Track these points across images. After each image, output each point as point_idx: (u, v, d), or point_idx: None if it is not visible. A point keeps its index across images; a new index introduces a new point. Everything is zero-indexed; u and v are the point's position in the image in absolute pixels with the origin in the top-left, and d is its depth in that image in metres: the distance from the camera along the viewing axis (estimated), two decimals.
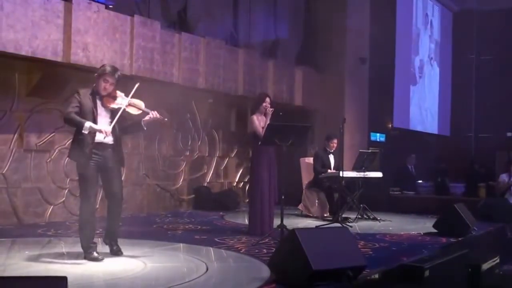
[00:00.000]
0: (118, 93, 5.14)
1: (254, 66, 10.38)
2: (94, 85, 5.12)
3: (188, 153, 10.04)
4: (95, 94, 5.09)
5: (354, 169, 8.90)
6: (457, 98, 17.16)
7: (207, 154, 10.45)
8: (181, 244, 6.11)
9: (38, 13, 6.82)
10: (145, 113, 5.18)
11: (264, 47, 11.12)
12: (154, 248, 5.79)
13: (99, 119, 5.05)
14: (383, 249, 6.19)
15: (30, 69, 7.37)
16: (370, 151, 10.03)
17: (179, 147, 9.85)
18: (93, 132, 4.93)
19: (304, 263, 4.13)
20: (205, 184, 10.37)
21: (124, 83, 5.35)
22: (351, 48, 12.08)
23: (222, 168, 10.81)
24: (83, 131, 4.89)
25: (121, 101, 5.10)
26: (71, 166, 5.24)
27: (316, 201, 9.10)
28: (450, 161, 15.31)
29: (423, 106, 15.88)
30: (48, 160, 7.76)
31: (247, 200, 8.01)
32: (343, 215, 8.40)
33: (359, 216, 8.72)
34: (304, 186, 9.46)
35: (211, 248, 5.94)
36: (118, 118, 5.07)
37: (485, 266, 5.80)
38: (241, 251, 5.76)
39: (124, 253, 5.30)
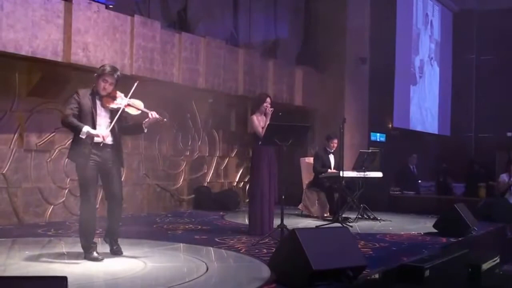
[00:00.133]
0: (118, 93, 5.14)
1: (254, 66, 10.38)
2: (94, 85, 5.12)
3: (188, 153, 10.04)
4: (94, 94, 5.09)
5: (354, 169, 8.90)
6: (457, 98, 17.17)
7: (207, 154, 10.45)
8: (181, 244, 6.11)
9: (38, 13, 6.82)
10: (144, 113, 5.18)
11: (264, 47, 11.13)
12: (154, 248, 5.79)
13: (99, 119, 5.05)
14: (383, 249, 6.19)
15: (30, 69, 7.37)
16: (370, 151, 10.04)
17: (179, 147, 9.85)
18: (91, 137, 4.93)
19: (304, 263, 4.13)
20: (205, 184, 10.37)
21: (124, 83, 5.35)
22: (351, 48, 12.08)
23: (222, 168, 10.81)
24: (80, 136, 4.90)
25: (121, 101, 5.10)
26: (71, 166, 5.23)
27: (316, 201, 9.10)
28: (450, 161, 15.32)
29: (423, 106, 15.88)
30: (48, 160, 7.76)
31: (247, 200, 8.01)
32: (343, 215, 8.41)
33: (359, 216, 8.72)
34: (304, 186, 9.46)
35: (211, 248, 5.94)
36: (118, 118, 5.08)
37: (485, 266, 5.81)
38: (241, 251, 5.76)
39: (124, 253, 5.30)
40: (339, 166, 8.24)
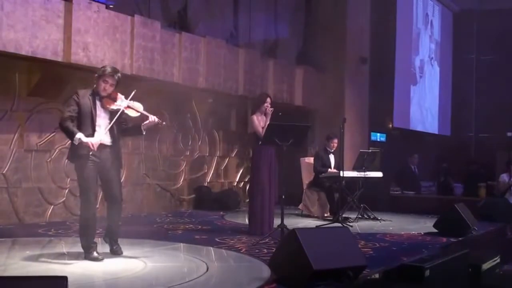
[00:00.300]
0: (118, 95, 5.15)
1: (254, 65, 10.38)
2: (94, 85, 5.12)
3: (188, 153, 10.04)
4: (94, 94, 5.09)
5: (355, 169, 8.90)
6: (457, 98, 17.16)
7: (207, 154, 10.45)
8: (182, 244, 6.11)
9: (39, 13, 6.82)
10: (143, 116, 5.19)
11: (264, 46, 11.13)
12: (155, 248, 5.79)
13: (98, 120, 5.06)
14: (383, 249, 6.19)
15: (31, 69, 7.37)
16: (370, 151, 10.04)
17: (180, 147, 9.85)
18: (84, 143, 4.93)
19: (304, 263, 4.13)
20: (206, 184, 10.37)
21: (125, 83, 5.34)
22: (351, 48, 12.08)
23: (222, 168, 10.81)
24: (73, 142, 4.91)
25: (121, 103, 5.11)
26: (71, 166, 5.23)
27: (317, 201, 9.10)
28: (451, 161, 15.31)
29: (424, 106, 15.87)
30: (49, 160, 7.76)
31: (248, 200, 8.00)
32: (344, 215, 8.41)
33: (360, 216, 8.72)
34: (304, 186, 9.46)
35: (211, 248, 5.94)
36: (117, 120, 5.08)
37: (486, 266, 5.80)
38: (242, 251, 5.76)
39: (124, 253, 5.30)
40: (339, 166, 8.25)
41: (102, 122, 5.08)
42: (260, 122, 6.86)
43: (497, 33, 15.62)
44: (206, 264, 5.04)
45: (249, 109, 8.82)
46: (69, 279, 2.91)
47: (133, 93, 5.17)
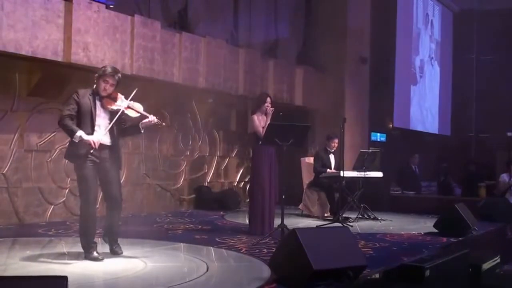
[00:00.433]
0: (118, 95, 5.15)
1: (254, 65, 10.38)
2: (94, 85, 5.12)
3: (188, 153, 10.04)
4: (95, 94, 5.09)
5: (355, 169, 8.90)
6: (457, 98, 17.15)
7: (207, 154, 10.45)
8: (182, 244, 6.11)
9: (39, 13, 6.82)
10: (143, 117, 5.19)
11: (264, 46, 11.12)
12: (155, 248, 5.79)
13: (98, 120, 5.06)
14: (383, 249, 6.19)
15: (31, 69, 7.37)
16: (370, 151, 10.04)
17: (180, 147, 9.85)
18: (86, 140, 4.92)
19: (304, 263, 4.12)
20: (206, 184, 10.37)
21: (125, 83, 5.34)
22: (351, 48, 12.08)
23: (222, 167, 10.81)
24: (73, 139, 4.90)
25: (121, 103, 5.11)
26: (71, 166, 5.23)
27: (317, 200, 9.10)
28: (451, 161, 15.31)
29: (424, 106, 15.87)
30: (49, 160, 7.76)
31: (248, 200, 8.00)
32: (344, 215, 8.40)
33: (360, 216, 8.72)
34: (304, 186, 9.46)
35: (211, 247, 5.95)
36: (117, 120, 5.08)
37: (486, 266, 5.80)
38: (242, 251, 5.76)
39: (125, 252, 5.30)
40: (340, 166, 8.25)
41: (102, 122, 5.08)
42: (260, 122, 6.86)
43: (497, 33, 15.61)
44: (206, 264, 5.04)
45: (249, 109, 8.82)
46: (69, 279, 2.91)
47: (134, 92, 5.17)
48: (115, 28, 7.76)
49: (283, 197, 6.34)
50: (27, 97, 7.45)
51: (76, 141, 4.91)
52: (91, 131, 5.01)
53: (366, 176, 8.85)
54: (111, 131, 5.08)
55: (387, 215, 9.18)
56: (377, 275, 4.87)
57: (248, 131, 10.28)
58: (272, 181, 6.89)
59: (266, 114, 6.87)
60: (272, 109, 6.86)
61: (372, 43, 12.59)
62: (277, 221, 6.57)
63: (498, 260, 6.22)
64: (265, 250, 5.76)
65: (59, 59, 7.09)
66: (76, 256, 5.13)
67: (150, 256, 5.30)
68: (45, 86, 7.42)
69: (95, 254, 5.01)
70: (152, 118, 5.19)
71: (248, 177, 9.86)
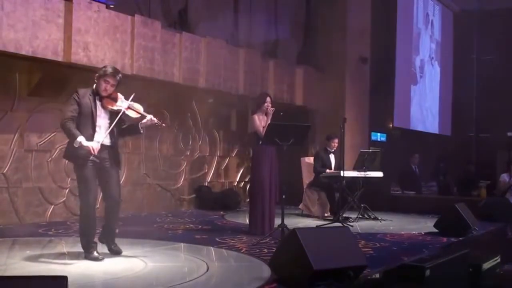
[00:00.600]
0: (119, 95, 5.16)
1: (254, 66, 10.38)
2: (94, 85, 5.11)
3: (188, 153, 10.04)
4: (95, 94, 5.08)
5: (355, 168, 8.90)
6: (457, 98, 17.14)
7: (207, 154, 10.45)
8: (182, 244, 6.11)
9: (39, 13, 6.82)
10: (143, 117, 5.19)
11: (264, 47, 11.12)
12: (155, 248, 5.79)
13: (98, 120, 5.06)
14: (383, 249, 6.19)
15: (31, 69, 7.37)
16: (370, 150, 10.03)
17: (180, 146, 9.85)
18: (85, 146, 4.92)
19: (305, 262, 4.12)
20: (206, 184, 10.37)
21: (125, 83, 5.35)
22: (351, 48, 12.07)
23: (222, 167, 10.81)
24: (74, 144, 4.90)
25: (121, 103, 5.11)
26: (72, 166, 5.23)
27: (317, 200, 9.10)
28: (451, 161, 15.30)
29: (424, 105, 15.86)
30: (49, 160, 7.76)
31: (248, 200, 8.00)
32: (344, 215, 8.40)
33: (360, 216, 8.72)
34: (305, 186, 9.45)
35: (212, 247, 5.95)
36: (118, 121, 5.08)
37: (486, 265, 5.79)
38: (242, 251, 5.76)
39: (125, 252, 5.30)
40: (340, 166, 8.24)
41: (102, 123, 5.08)
42: (261, 121, 6.86)
43: (497, 33, 15.61)
44: (206, 264, 5.04)
45: (250, 109, 8.81)
46: (69, 279, 2.91)
47: (132, 96, 5.18)
48: (115, 28, 7.77)
49: (283, 197, 6.34)
50: (27, 97, 7.45)
51: (76, 146, 4.91)
52: (92, 132, 5.01)
53: (366, 176, 8.85)
54: (111, 131, 5.08)
55: (387, 215, 9.18)
56: (377, 275, 4.87)
57: (248, 131, 10.28)
58: (272, 181, 6.89)
59: (266, 114, 6.87)
60: (272, 109, 6.86)
61: (372, 43, 12.58)
62: (277, 221, 6.57)
63: (498, 260, 6.20)
64: (265, 250, 5.76)
65: (59, 59, 7.09)
66: (76, 256, 5.13)
67: (150, 256, 5.30)
68: (45, 86, 7.42)
69: (95, 254, 5.01)
70: (152, 118, 5.19)
71: (248, 177, 9.86)
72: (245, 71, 10.12)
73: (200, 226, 7.64)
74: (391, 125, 13.84)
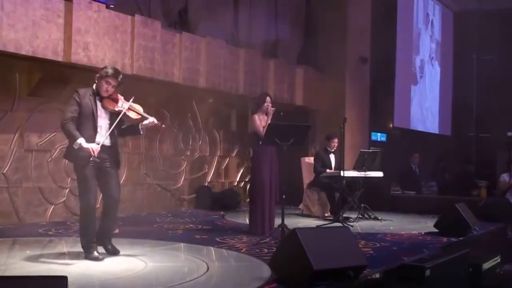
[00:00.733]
0: (119, 96, 5.16)
1: (255, 65, 10.38)
2: (94, 85, 5.11)
3: (189, 153, 10.04)
4: (95, 94, 5.09)
5: (355, 168, 8.89)
6: (458, 98, 17.14)
7: (208, 154, 10.45)
8: (182, 244, 6.12)
9: (39, 13, 6.82)
10: (143, 118, 5.20)
11: (265, 47, 11.12)
12: (155, 248, 5.79)
13: (99, 120, 5.07)
14: (384, 249, 6.19)
15: (31, 69, 7.37)
16: (371, 150, 10.03)
17: (180, 146, 9.85)
18: (85, 148, 4.92)
19: (305, 262, 4.12)
20: (206, 184, 10.37)
21: (125, 82, 5.35)
22: (352, 48, 12.07)
23: (223, 167, 10.81)
24: (73, 146, 4.90)
25: (122, 104, 5.11)
26: (72, 166, 5.24)
27: (317, 200, 9.10)
28: (451, 161, 15.30)
29: (424, 105, 15.86)
30: (49, 160, 7.76)
31: (248, 200, 8.00)
32: (344, 215, 8.40)
33: (360, 216, 8.72)
34: (305, 186, 9.45)
35: (212, 247, 5.94)
36: (118, 122, 5.08)
37: (486, 265, 5.79)
38: (242, 251, 5.76)
39: (125, 252, 5.31)
40: (340, 166, 8.24)
41: (103, 123, 5.09)
42: (261, 121, 6.85)
43: (497, 33, 15.60)
44: (206, 264, 5.04)
45: (250, 109, 8.81)
46: (69, 279, 2.91)
47: (132, 99, 5.18)
48: (115, 28, 7.77)
49: (284, 197, 6.34)
50: (27, 97, 7.44)
51: (76, 148, 4.90)
52: (93, 133, 5.01)
53: (367, 176, 8.85)
54: (111, 132, 5.09)
55: (387, 215, 9.18)
56: (377, 275, 4.87)
57: (248, 131, 10.28)
58: (273, 181, 6.88)
59: (267, 114, 6.87)
60: (273, 109, 6.86)
61: (373, 43, 12.58)
62: (277, 221, 6.57)
63: (499, 260, 6.21)
64: (265, 250, 5.76)
65: (59, 59, 7.09)
66: (76, 256, 5.13)
67: (150, 256, 5.29)
68: (45, 86, 7.42)
69: (95, 254, 5.01)
70: (152, 119, 5.20)
71: (249, 177, 9.86)
72: (245, 71, 10.12)
73: (200, 226, 7.64)
74: (391, 125, 13.84)
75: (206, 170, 10.44)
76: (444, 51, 17.07)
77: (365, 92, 12.58)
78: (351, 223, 8.13)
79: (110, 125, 5.09)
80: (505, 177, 11.49)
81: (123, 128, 5.30)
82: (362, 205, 8.85)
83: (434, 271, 4.73)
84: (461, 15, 17.40)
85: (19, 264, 4.90)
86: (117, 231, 6.76)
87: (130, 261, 5.09)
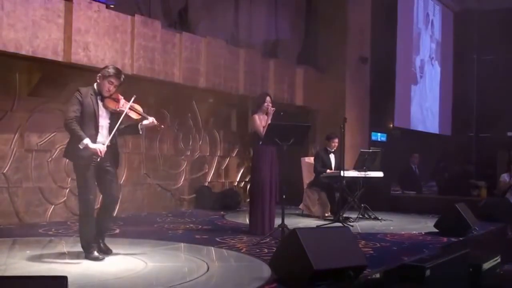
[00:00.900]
0: (119, 96, 5.17)
1: (255, 65, 10.38)
2: (95, 84, 5.11)
3: (189, 153, 10.03)
4: (96, 94, 5.08)
5: (355, 168, 8.89)
6: (458, 98, 17.15)
7: (208, 154, 10.45)
8: (182, 244, 6.11)
9: (39, 13, 6.82)
10: (143, 118, 5.21)
11: (265, 46, 11.12)
12: (155, 248, 5.79)
13: (100, 120, 5.07)
14: (384, 249, 6.19)
15: (31, 69, 7.37)
16: (371, 150, 10.03)
17: (180, 146, 9.85)
18: (92, 149, 4.91)
19: (305, 262, 4.12)
20: (206, 184, 10.37)
21: (125, 82, 5.34)
22: (352, 48, 12.08)
23: (223, 167, 10.81)
24: (79, 145, 4.90)
25: (123, 104, 5.11)
26: (72, 166, 5.23)
27: (317, 200, 9.10)
28: (451, 161, 15.30)
29: (424, 105, 15.87)
30: (49, 160, 7.76)
31: (248, 200, 8.00)
32: (344, 215, 8.39)
33: (360, 216, 8.72)
34: (305, 186, 9.45)
35: (212, 247, 5.94)
36: (119, 122, 5.08)
37: (486, 265, 5.80)
38: (242, 251, 5.76)
39: (125, 252, 5.31)
40: (340, 166, 8.24)
41: (104, 123, 5.09)
42: (262, 121, 6.85)
43: (497, 33, 15.61)
44: (206, 264, 5.04)
45: (250, 109, 8.82)
46: (69, 279, 2.91)
47: (133, 98, 5.18)
48: (115, 28, 7.76)
49: (284, 197, 6.34)
50: (27, 97, 7.44)
51: (81, 148, 4.90)
52: (94, 132, 5.01)
53: (367, 176, 8.85)
54: (111, 131, 5.08)
55: (387, 215, 9.17)
56: (377, 275, 4.87)
57: (248, 131, 10.28)
58: (273, 181, 6.88)
59: (267, 114, 6.87)
60: (273, 108, 6.86)
61: (373, 43, 12.59)
62: (277, 221, 6.57)
63: (499, 260, 6.22)
64: (265, 250, 5.76)
65: (59, 59, 7.09)
66: (76, 256, 5.13)
67: (150, 256, 5.29)
68: (45, 86, 7.42)
69: (95, 254, 5.01)
70: (152, 120, 5.21)
71: (249, 177, 9.85)
72: (245, 71, 10.12)
73: (200, 226, 7.64)
74: (391, 125, 13.85)
75: (206, 170, 10.44)
76: (444, 51, 17.08)
77: (365, 92, 12.59)
78: (351, 223, 8.12)
79: (111, 124, 5.10)
80: (505, 177, 11.49)
81: (123, 127, 5.30)
82: (362, 205, 8.85)
83: (434, 271, 4.73)
84: (461, 15, 17.41)
85: (19, 264, 4.90)
86: (117, 231, 6.78)
87: (130, 261, 5.09)
